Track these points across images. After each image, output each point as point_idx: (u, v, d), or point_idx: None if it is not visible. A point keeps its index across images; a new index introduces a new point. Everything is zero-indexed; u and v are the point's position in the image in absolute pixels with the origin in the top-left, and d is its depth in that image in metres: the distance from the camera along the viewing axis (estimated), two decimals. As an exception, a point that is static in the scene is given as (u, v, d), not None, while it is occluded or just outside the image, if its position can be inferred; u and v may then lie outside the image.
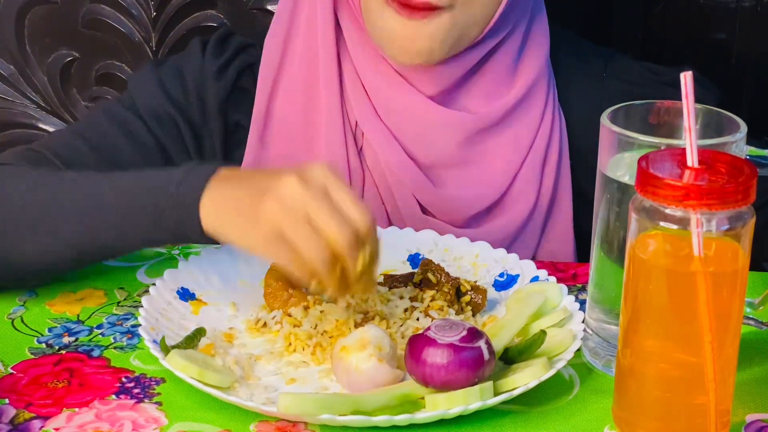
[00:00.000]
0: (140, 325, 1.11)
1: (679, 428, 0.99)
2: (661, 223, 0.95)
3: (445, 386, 1.02)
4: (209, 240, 1.11)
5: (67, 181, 1.20)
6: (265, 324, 1.16)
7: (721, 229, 0.95)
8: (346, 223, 1.04)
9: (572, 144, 1.41)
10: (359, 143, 1.37)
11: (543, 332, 1.08)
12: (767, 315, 1.20)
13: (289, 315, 1.16)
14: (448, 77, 1.34)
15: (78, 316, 1.20)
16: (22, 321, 1.19)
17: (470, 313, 1.17)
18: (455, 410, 1.00)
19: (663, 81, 1.39)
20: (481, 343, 1.03)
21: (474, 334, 1.03)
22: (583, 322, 1.13)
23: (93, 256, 1.21)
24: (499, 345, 1.07)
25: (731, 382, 0.99)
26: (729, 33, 1.82)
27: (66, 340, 1.16)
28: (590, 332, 1.12)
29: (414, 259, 1.28)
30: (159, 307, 1.16)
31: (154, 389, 1.08)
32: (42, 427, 1.02)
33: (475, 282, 1.20)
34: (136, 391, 1.08)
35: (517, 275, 1.24)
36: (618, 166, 1.06)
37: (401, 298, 1.17)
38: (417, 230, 1.32)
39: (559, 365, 1.06)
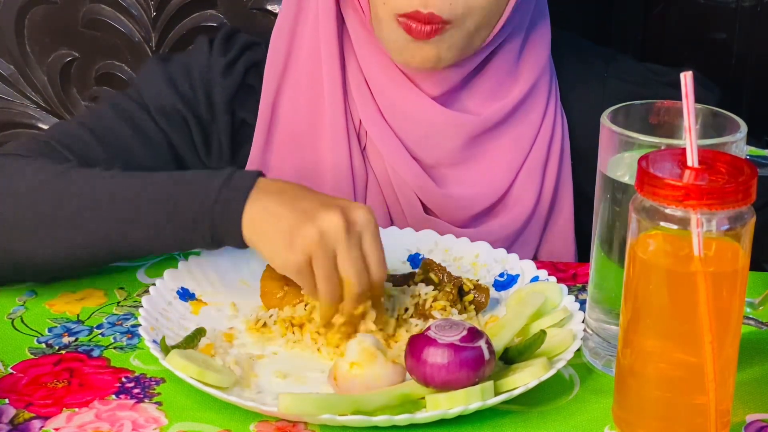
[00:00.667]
0: (140, 325, 1.11)
1: (679, 428, 0.99)
2: (661, 223, 0.95)
3: (445, 386, 1.02)
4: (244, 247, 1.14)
5: (102, 178, 1.20)
6: (264, 324, 1.16)
7: (721, 229, 0.95)
8: (364, 275, 1.10)
9: (573, 144, 1.41)
10: (362, 142, 1.37)
11: (543, 332, 1.08)
12: (767, 315, 1.20)
13: (292, 318, 1.16)
14: (452, 78, 1.34)
15: (78, 316, 1.20)
16: (22, 321, 1.19)
17: (473, 312, 1.17)
18: (455, 410, 1.00)
19: (664, 81, 1.39)
20: (482, 343, 1.03)
21: (474, 333, 1.03)
22: (583, 322, 1.13)
23: (124, 255, 1.22)
24: (499, 345, 1.07)
25: (731, 382, 0.99)
26: (729, 33, 1.82)
27: (66, 340, 1.16)
28: (590, 332, 1.12)
29: (414, 259, 1.28)
30: (159, 307, 1.16)
31: (154, 389, 1.08)
32: (42, 427, 1.02)
33: (477, 281, 1.20)
34: (136, 391, 1.08)
35: (517, 275, 1.24)
36: (618, 166, 1.06)
37: (403, 295, 1.17)
38: (419, 229, 1.32)
39: (559, 365, 1.06)
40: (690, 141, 0.95)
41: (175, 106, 1.37)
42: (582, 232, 1.39)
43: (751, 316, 1.19)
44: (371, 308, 1.12)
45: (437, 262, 1.21)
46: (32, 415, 1.04)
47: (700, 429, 0.98)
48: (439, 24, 1.25)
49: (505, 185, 1.38)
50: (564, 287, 1.18)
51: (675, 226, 0.94)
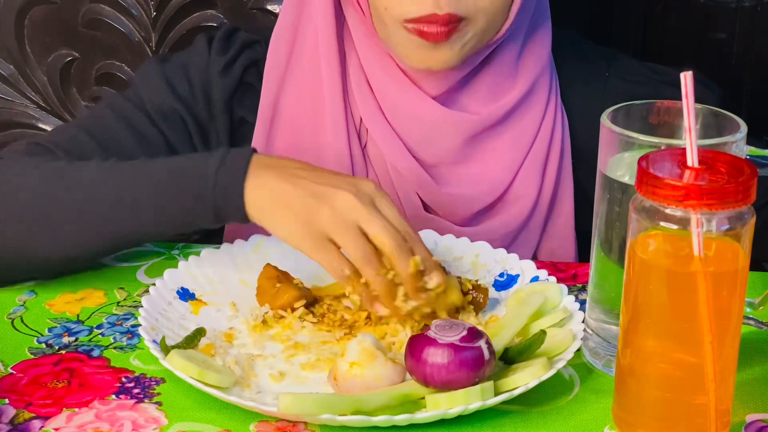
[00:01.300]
0: (140, 325, 1.11)
1: (679, 428, 0.99)
2: (661, 223, 0.95)
3: (445, 386, 1.02)
4: (252, 223, 1.16)
5: (100, 170, 1.21)
6: (264, 321, 1.17)
7: (721, 229, 0.95)
8: (393, 230, 1.11)
9: (574, 143, 1.41)
10: (363, 140, 1.38)
11: (543, 332, 1.08)
12: (767, 315, 1.20)
13: (292, 310, 1.16)
14: (452, 78, 1.34)
15: (78, 316, 1.20)
16: (22, 321, 1.19)
17: (473, 312, 1.17)
18: (455, 410, 1.00)
19: (665, 81, 1.39)
20: (482, 343, 1.03)
21: (474, 333, 1.03)
22: (583, 322, 1.13)
23: (129, 242, 1.24)
24: (499, 345, 1.07)
25: (731, 382, 0.99)
26: (729, 33, 1.82)
27: (66, 340, 1.16)
28: (590, 332, 1.12)
29: (414, 259, 1.28)
30: (159, 307, 1.16)
31: (154, 389, 1.08)
32: (42, 427, 1.02)
33: (477, 281, 1.20)
34: (136, 391, 1.08)
35: (517, 275, 1.24)
36: (618, 166, 1.06)
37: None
38: (419, 227, 1.32)
39: (559, 365, 1.06)
40: (690, 141, 0.95)
41: (172, 107, 1.37)
42: (582, 231, 1.39)
43: (751, 316, 1.19)
44: (426, 266, 1.12)
45: (437, 262, 1.21)
46: (32, 415, 1.04)
47: (700, 429, 0.98)
48: (456, 23, 1.25)
49: (505, 184, 1.38)
50: (564, 287, 1.18)
51: (675, 226, 0.94)
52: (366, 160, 1.38)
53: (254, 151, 1.18)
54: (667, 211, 0.94)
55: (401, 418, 0.99)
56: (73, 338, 1.16)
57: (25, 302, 1.23)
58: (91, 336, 1.17)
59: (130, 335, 1.17)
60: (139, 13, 1.69)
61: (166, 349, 1.08)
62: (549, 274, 1.22)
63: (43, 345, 1.15)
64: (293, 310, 1.17)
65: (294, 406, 0.99)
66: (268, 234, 1.21)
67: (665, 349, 0.97)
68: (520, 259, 1.26)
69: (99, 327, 1.19)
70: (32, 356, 1.13)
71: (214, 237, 1.46)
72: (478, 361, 1.02)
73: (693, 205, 0.92)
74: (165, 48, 1.70)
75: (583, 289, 1.24)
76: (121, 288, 1.26)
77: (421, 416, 1.00)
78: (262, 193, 1.14)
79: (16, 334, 1.17)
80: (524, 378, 1.04)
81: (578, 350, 1.10)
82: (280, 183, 1.14)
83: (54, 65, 1.71)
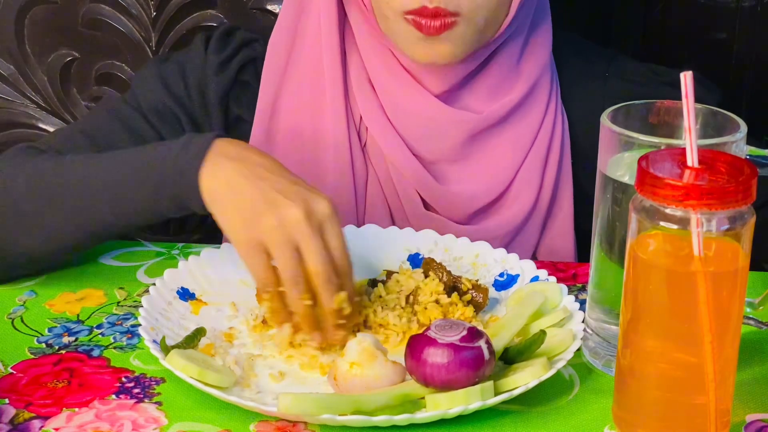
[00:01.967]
0: (140, 325, 1.11)
1: (679, 428, 0.99)
2: (661, 223, 0.95)
3: (445, 386, 1.02)
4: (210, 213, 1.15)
5: (66, 164, 1.22)
6: (264, 321, 1.16)
7: (721, 229, 0.95)
8: (329, 261, 1.10)
9: (574, 143, 1.41)
10: (363, 138, 1.38)
11: (543, 332, 1.08)
12: (767, 315, 1.20)
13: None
14: (454, 76, 1.34)
15: (78, 316, 1.20)
16: (22, 321, 1.19)
17: (472, 312, 1.17)
18: (455, 410, 1.00)
19: (665, 81, 1.39)
20: (482, 343, 1.03)
21: (474, 333, 1.03)
22: (583, 322, 1.13)
23: (100, 234, 1.24)
24: (499, 345, 1.07)
25: (731, 382, 0.99)
26: (729, 33, 1.82)
27: (66, 340, 1.16)
28: (590, 332, 1.12)
29: (414, 259, 1.28)
30: (159, 307, 1.16)
31: (154, 389, 1.08)
32: (42, 427, 1.02)
33: (477, 281, 1.20)
34: (136, 391, 1.08)
35: (517, 275, 1.24)
36: (618, 166, 1.06)
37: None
38: (419, 225, 1.32)
39: (559, 365, 1.06)
40: (690, 141, 0.95)
41: (167, 106, 1.38)
42: (582, 231, 1.39)
43: (751, 316, 1.19)
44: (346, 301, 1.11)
45: (437, 261, 1.21)
46: (32, 415, 1.04)
47: (700, 429, 0.98)
48: (447, 18, 1.25)
49: (505, 182, 1.38)
50: (564, 287, 1.18)
51: (675, 226, 0.94)
52: (366, 158, 1.38)
53: (217, 136, 1.17)
54: (667, 211, 0.94)
55: (401, 418, 0.99)
56: (73, 338, 1.16)
57: (25, 302, 1.23)
58: (91, 336, 1.17)
59: (130, 335, 1.17)
60: (139, 13, 1.68)
61: (166, 349, 1.08)
62: (549, 274, 1.22)
63: (43, 345, 1.15)
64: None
65: (294, 406, 0.99)
66: None
67: (665, 349, 0.97)
68: (520, 258, 1.26)
69: (99, 327, 1.19)
70: (32, 356, 1.13)
71: (214, 237, 1.46)
72: (478, 361, 1.02)
73: (693, 205, 0.92)
74: (165, 48, 1.70)
75: (583, 289, 1.24)
76: (121, 288, 1.26)
77: (421, 416, 1.00)
78: (218, 182, 1.13)
79: (16, 334, 1.17)
80: (524, 378, 1.04)
81: (578, 350, 1.10)
82: (237, 177, 1.13)
83: (54, 65, 1.71)
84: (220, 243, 1.30)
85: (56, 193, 1.20)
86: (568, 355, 1.08)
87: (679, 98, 0.96)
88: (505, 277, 1.25)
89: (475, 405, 1.01)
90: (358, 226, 1.33)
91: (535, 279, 1.22)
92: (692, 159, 0.95)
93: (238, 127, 1.40)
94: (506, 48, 1.36)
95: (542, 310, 1.15)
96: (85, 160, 1.23)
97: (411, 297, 1.17)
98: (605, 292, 1.10)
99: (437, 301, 1.16)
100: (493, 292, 1.22)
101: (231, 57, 1.40)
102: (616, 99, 1.12)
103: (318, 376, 1.09)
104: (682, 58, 1.81)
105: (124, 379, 1.09)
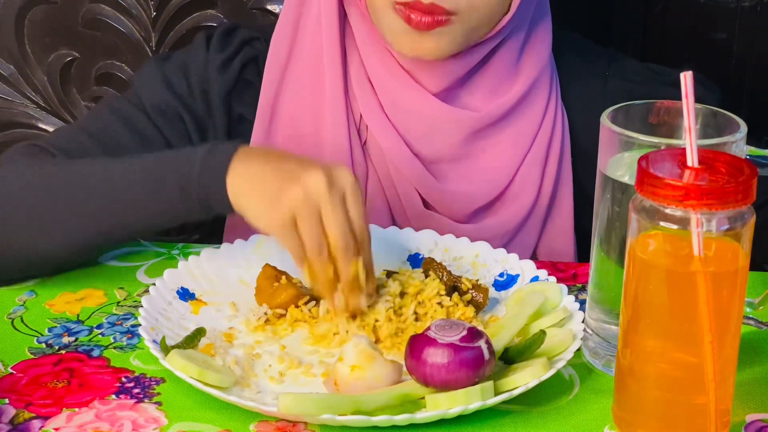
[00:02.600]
0: (140, 325, 1.11)
1: (679, 428, 0.99)
2: (661, 223, 0.95)
3: (445, 386, 1.02)
4: (238, 214, 1.16)
5: (91, 165, 1.23)
6: (267, 320, 1.17)
7: (721, 229, 0.95)
8: (348, 230, 1.11)
9: (574, 143, 1.41)
10: (363, 137, 1.38)
11: (543, 332, 1.08)
12: (767, 315, 1.20)
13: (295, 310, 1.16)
14: (453, 74, 1.34)
15: (78, 316, 1.20)
16: (22, 321, 1.19)
17: (473, 312, 1.17)
18: (455, 410, 1.00)
19: (665, 81, 1.39)
20: (482, 343, 1.03)
21: (474, 333, 1.03)
22: (583, 322, 1.13)
23: (122, 236, 1.26)
24: (499, 345, 1.07)
25: (731, 382, 0.99)
26: (729, 33, 1.82)
27: (66, 340, 1.16)
28: (590, 332, 1.12)
29: (414, 259, 1.28)
30: (159, 307, 1.16)
31: (154, 389, 1.08)
32: (42, 427, 1.02)
33: (477, 281, 1.20)
34: (136, 391, 1.08)
35: (517, 275, 1.24)
36: (618, 166, 1.06)
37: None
38: (418, 224, 1.32)
39: (559, 365, 1.06)
40: (690, 141, 0.95)
41: (170, 105, 1.38)
42: (583, 231, 1.39)
43: (751, 316, 1.19)
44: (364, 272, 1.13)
45: (438, 261, 1.21)
46: (32, 415, 1.04)
47: (700, 429, 0.98)
48: (441, 15, 1.25)
49: (505, 181, 1.38)
50: (564, 287, 1.18)
51: (675, 226, 0.94)
52: (366, 157, 1.38)
53: (241, 143, 1.18)
54: (667, 211, 0.94)
55: (401, 418, 0.99)
56: (73, 338, 1.16)
57: (25, 302, 1.23)
58: (91, 336, 1.17)
59: (130, 335, 1.17)
60: (139, 13, 1.69)
61: (166, 349, 1.08)
62: (549, 274, 1.22)
63: (43, 345, 1.15)
64: (296, 306, 1.17)
65: (294, 406, 0.99)
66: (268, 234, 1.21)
67: (665, 349, 0.97)
68: (520, 257, 1.26)
69: (99, 327, 1.19)
70: (32, 356, 1.13)
71: (214, 237, 1.46)
72: (478, 361, 1.02)
73: (693, 205, 0.92)
74: (165, 48, 1.70)
75: (583, 289, 1.24)
76: (121, 288, 1.26)
77: (421, 416, 1.00)
78: (242, 179, 1.15)
79: (16, 334, 1.17)
80: (524, 378, 1.04)
81: (578, 350, 1.10)
82: (260, 168, 1.14)
83: (54, 65, 1.71)
84: (220, 243, 1.30)
85: (73, 195, 1.20)
86: (568, 355, 1.08)
87: (679, 98, 0.96)
88: (505, 277, 1.25)
89: (475, 405, 1.01)
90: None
91: (535, 279, 1.22)
92: (692, 159, 0.95)
93: (240, 125, 1.40)
94: (506, 46, 1.36)
95: (542, 310, 1.15)
96: (105, 163, 1.23)
97: (411, 297, 1.17)
98: (605, 292, 1.10)
99: (440, 304, 1.16)
100: (493, 292, 1.22)
101: (233, 55, 1.40)
102: (617, 98, 1.12)
103: (318, 375, 1.09)
104: (682, 58, 1.82)
105: (124, 379, 1.09)
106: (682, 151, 0.95)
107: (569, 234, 1.41)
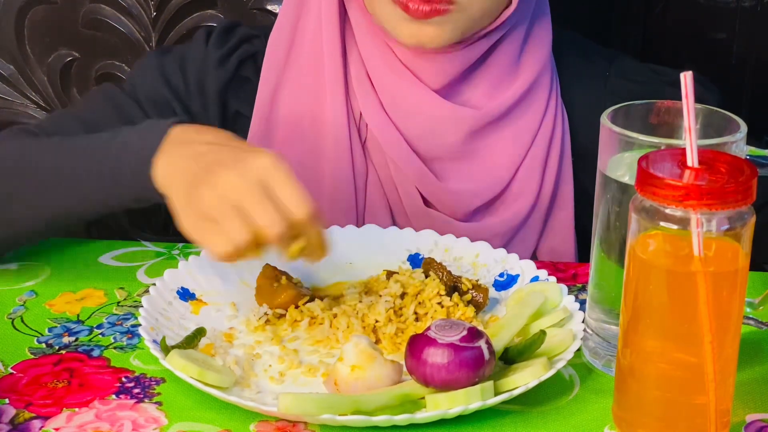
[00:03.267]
0: (140, 325, 1.11)
1: (679, 428, 0.99)
2: (661, 223, 0.95)
3: (445, 386, 1.02)
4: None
5: (34, 147, 1.23)
6: (267, 320, 1.17)
7: (721, 229, 0.95)
8: (279, 215, 1.04)
9: (575, 142, 1.41)
10: (363, 135, 1.38)
11: (543, 332, 1.08)
12: (767, 315, 1.20)
13: (295, 310, 1.16)
14: (453, 69, 1.34)
15: (78, 316, 1.20)
16: (22, 321, 1.19)
17: (473, 312, 1.17)
18: (455, 410, 1.00)
19: (665, 81, 1.39)
20: (482, 343, 1.03)
21: (474, 333, 1.03)
22: (583, 322, 1.13)
23: (58, 222, 1.24)
24: (499, 345, 1.07)
25: (731, 382, 0.99)
26: (729, 33, 1.82)
27: (66, 340, 1.16)
28: (590, 332, 1.12)
29: (414, 259, 1.28)
30: (159, 307, 1.16)
31: (154, 389, 1.08)
32: (42, 427, 1.02)
33: (477, 281, 1.20)
34: (136, 391, 1.08)
35: (517, 275, 1.24)
36: (618, 166, 1.06)
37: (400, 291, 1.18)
38: (419, 222, 1.32)
39: (559, 365, 1.06)
40: (690, 141, 0.95)
41: (165, 98, 1.38)
42: (584, 230, 1.39)
43: (751, 316, 1.19)
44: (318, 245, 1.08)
45: (438, 261, 1.21)
46: (32, 415, 1.04)
47: (700, 429, 0.98)
48: (441, 5, 1.24)
49: (505, 180, 1.38)
50: (564, 287, 1.18)
51: (675, 226, 0.94)
52: (366, 156, 1.38)
53: (175, 123, 1.15)
54: (667, 211, 0.94)
55: (401, 418, 0.99)
56: (73, 338, 1.16)
57: (25, 302, 1.23)
58: (91, 336, 1.17)
59: (130, 335, 1.17)
60: (139, 13, 1.69)
61: (166, 349, 1.08)
62: (549, 274, 1.22)
63: (43, 345, 1.15)
64: (296, 306, 1.17)
65: (294, 406, 0.99)
66: None
67: (665, 349, 0.97)
68: (520, 256, 1.26)
69: (99, 327, 1.19)
70: (32, 356, 1.13)
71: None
72: (478, 361, 1.02)
73: (693, 205, 0.92)
74: (165, 48, 1.70)
75: (583, 289, 1.24)
76: (121, 288, 1.26)
77: (421, 416, 1.00)
78: (168, 170, 1.11)
79: (16, 334, 1.17)
80: (524, 378, 1.04)
81: (578, 350, 1.10)
82: (182, 160, 1.11)
83: (54, 65, 1.71)
84: None
85: (28, 173, 1.21)
86: (568, 355, 1.08)
87: (680, 98, 0.96)
88: (505, 277, 1.25)
89: (475, 405, 1.01)
90: (358, 222, 1.33)
91: (535, 279, 1.22)
92: (692, 159, 0.95)
93: (236, 122, 1.40)
94: (506, 43, 1.36)
95: (542, 310, 1.15)
96: (62, 142, 1.23)
97: (411, 297, 1.17)
98: (605, 292, 1.10)
99: (440, 304, 1.16)
100: (493, 292, 1.22)
101: (231, 52, 1.40)
102: (617, 98, 1.13)
103: (318, 375, 1.09)
104: (682, 58, 1.82)
105: (124, 379, 1.09)
106: (682, 151, 0.95)
107: (570, 233, 1.41)
